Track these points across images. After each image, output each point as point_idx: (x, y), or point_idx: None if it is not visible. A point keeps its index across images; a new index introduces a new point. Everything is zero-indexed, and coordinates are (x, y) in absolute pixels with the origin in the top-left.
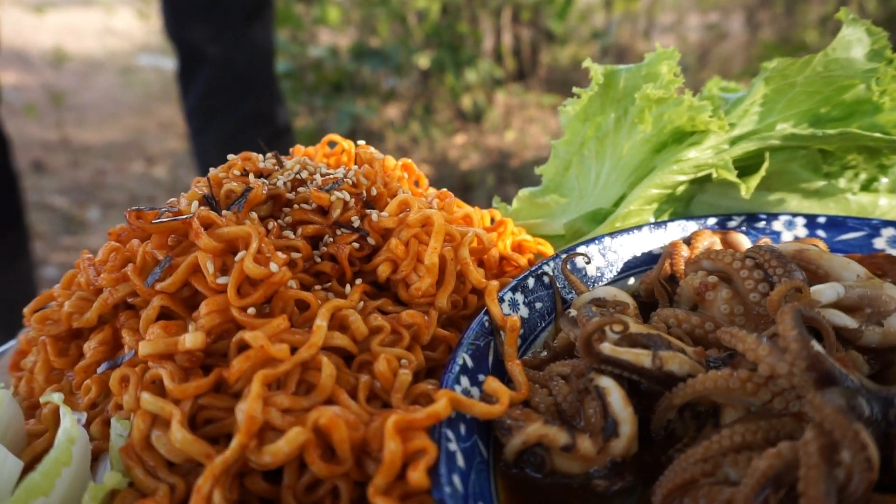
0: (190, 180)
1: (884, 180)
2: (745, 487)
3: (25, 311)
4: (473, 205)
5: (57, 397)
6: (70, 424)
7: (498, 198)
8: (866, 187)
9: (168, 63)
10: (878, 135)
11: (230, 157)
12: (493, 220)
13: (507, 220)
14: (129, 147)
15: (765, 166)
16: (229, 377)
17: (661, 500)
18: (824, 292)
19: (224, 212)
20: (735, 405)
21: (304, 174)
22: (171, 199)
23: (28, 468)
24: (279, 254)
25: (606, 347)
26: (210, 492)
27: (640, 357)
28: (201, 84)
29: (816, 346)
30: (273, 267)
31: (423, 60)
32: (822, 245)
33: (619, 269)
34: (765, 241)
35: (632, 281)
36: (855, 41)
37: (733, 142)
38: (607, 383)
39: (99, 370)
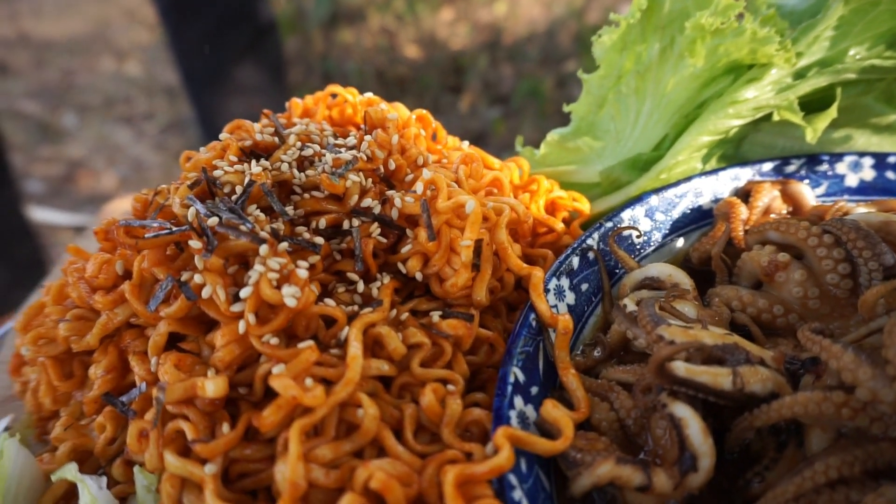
0: (167, 77)
1: None
2: None
3: (16, 326)
4: (467, 90)
5: (70, 472)
6: (89, 501)
7: (521, 138)
8: None
9: None
10: None
11: (222, 135)
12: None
13: (539, 178)
14: (95, 40)
15: (835, 105)
16: (261, 428)
17: None
18: None
19: (225, 216)
20: (824, 426)
21: (310, 151)
22: (161, 187)
23: None
24: (299, 271)
25: (680, 368)
26: None
27: (719, 378)
28: None
29: None
30: (294, 291)
31: None
32: None
33: (666, 231)
34: (840, 205)
35: (680, 242)
36: None
37: (798, 74)
38: (684, 412)
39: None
